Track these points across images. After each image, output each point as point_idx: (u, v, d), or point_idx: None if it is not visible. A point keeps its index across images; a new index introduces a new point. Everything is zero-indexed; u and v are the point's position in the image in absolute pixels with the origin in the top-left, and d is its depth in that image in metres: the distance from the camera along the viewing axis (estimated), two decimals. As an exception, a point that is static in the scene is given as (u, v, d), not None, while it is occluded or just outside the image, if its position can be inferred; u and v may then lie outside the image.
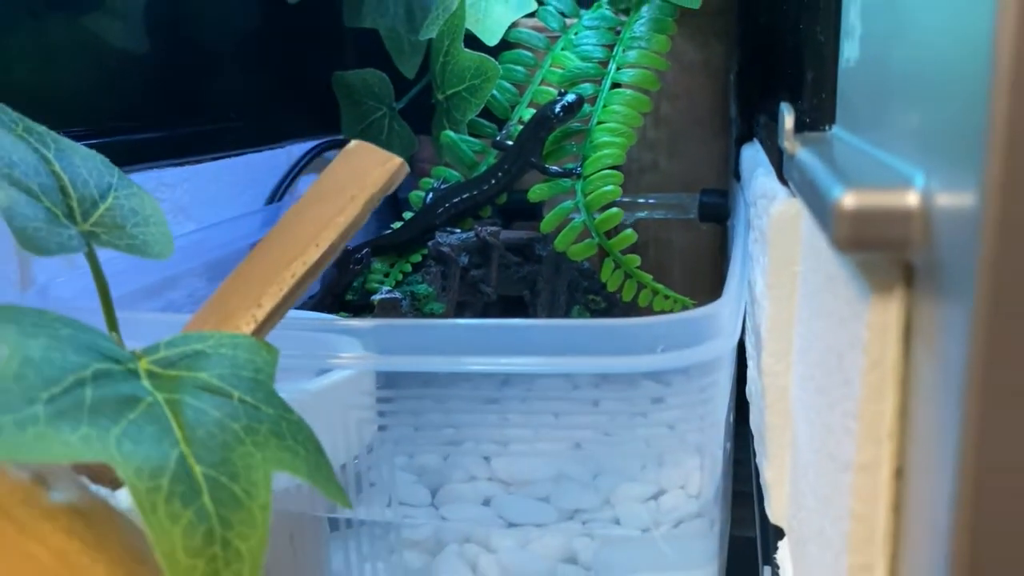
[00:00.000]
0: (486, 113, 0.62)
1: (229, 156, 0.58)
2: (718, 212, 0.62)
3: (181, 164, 0.54)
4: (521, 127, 0.58)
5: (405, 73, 0.69)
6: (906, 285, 0.19)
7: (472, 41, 0.63)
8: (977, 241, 0.16)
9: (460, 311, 0.54)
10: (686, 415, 0.39)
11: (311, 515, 0.41)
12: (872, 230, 0.18)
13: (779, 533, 0.37)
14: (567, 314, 0.58)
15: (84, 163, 0.33)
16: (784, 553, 0.34)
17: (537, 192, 0.55)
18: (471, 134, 0.62)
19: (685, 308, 0.54)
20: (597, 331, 0.36)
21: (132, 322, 0.33)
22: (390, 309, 0.50)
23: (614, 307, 0.59)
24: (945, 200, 0.17)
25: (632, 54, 0.57)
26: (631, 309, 0.59)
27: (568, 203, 0.54)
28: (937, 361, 0.18)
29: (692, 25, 0.62)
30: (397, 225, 0.59)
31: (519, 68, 0.62)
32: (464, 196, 0.57)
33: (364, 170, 0.32)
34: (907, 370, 0.20)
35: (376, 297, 0.50)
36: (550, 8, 0.63)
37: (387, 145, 0.70)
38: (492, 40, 0.62)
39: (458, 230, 0.56)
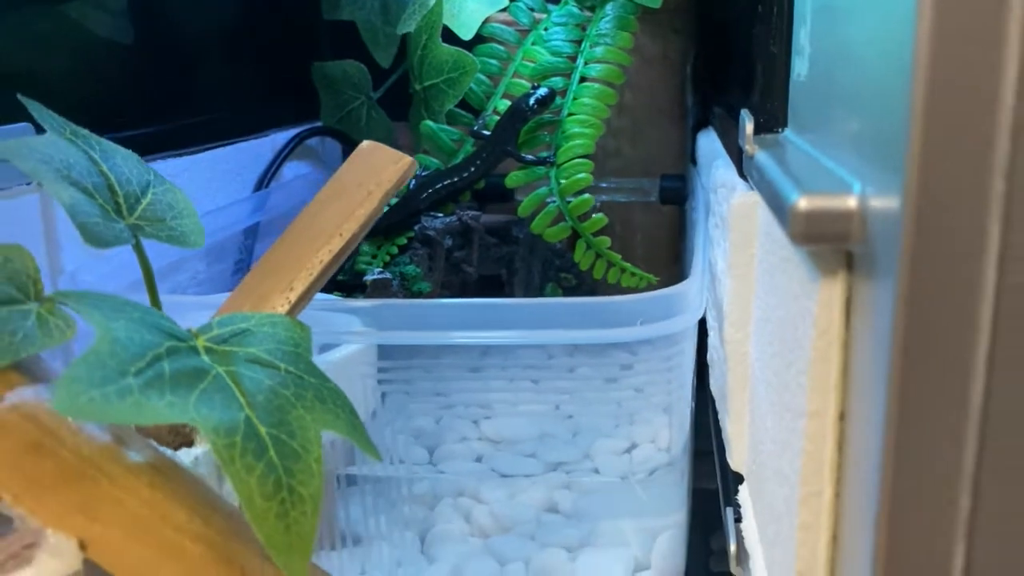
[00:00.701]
0: (462, 103, 0.66)
1: (221, 145, 0.61)
2: (677, 195, 0.67)
3: (179, 155, 0.57)
4: (496, 117, 0.62)
5: (381, 63, 0.73)
6: (847, 270, 0.24)
7: (448, 35, 0.67)
8: (900, 236, 0.20)
9: (444, 289, 0.58)
10: (654, 379, 0.44)
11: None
12: (820, 227, 0.23)
13: (738, 480, 0.42)
14: (541, 290, 0.62)
15: (125, 162, 0.36)
16: (744, 495, 0.39)
17: (514, 179, 0.60)
18: (449, 123, 0.66)
19: (650, 284, 0.59)
20: (580, 307, 0.41)
21: (168, 304, 0.37)
22: (382, 288, 0.54)
23: (584, 284, 0.64)
24: (877, 204, 0.22)
25: (599, 50, 0.61)
26: (599, 285, 0.63)
27: (543, 189, 0.58)
28: (870, 330, 0.23)
29: (652, 21, 0.67)
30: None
31: (493, 61, 0.66)
32: (446, 182, 0.61)
33: (379, 167, 0.36)
34: (848, 336, 0.25)
35: (368, 278, 0.54)
36: (520, 4, 0.67)
37: (365, 132, 0.73)
38: (467, 35, 0.66)
39: (441, 214, 0.60)
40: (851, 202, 0.23)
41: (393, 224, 0.61)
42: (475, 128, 0.63)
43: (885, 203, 0.22)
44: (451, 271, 0.58)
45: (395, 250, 0.60)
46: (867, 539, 0.22)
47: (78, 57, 0.50)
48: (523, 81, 0.64)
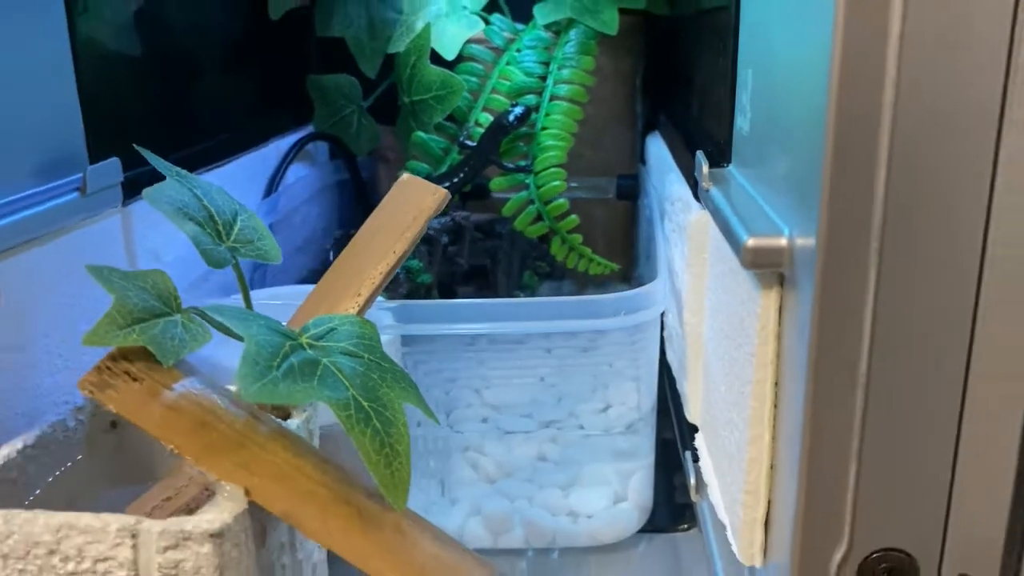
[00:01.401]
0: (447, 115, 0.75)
1: (238, 157, 0.69)
2: (631, 192, 0.78)
3: (209, 170, 0.65)
4: (478, 128, 0.72)
5: (367, 73, 0.81)
6: (780, 285, 0.35)
7: (432, 54, 0.75)
8: (814, 265, 0.31)
9: (441, 279, 0.68)
10: (623, 355, 0.55)
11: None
12: (762, 258, 0.34)
13: (692, 430, 0.53)
14: (520, 277, 0.72)
15: (217, 196, 0.45)
16: (699, 441, 0.51)
17: (497, 184, 0.69)
18: (436, 131, 0.75)
19: (612, 271, 0.70)
20: (573, 303, 0.51)
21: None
22: (391, 280, 0.64)
23: (555, 270, 0.74)
24: (799, 243, 0.33)
25: (566, 72, 0.71)
26: (567, 272, 0.74)
27: (524, 193, 0.68)
28: (795, 325, 0.33)
29: (608, 43, 0.76)
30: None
31: (473, 78, 0.75)
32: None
33: (419, 197, 0.46)
34: (780, 329, 0.35)
35: (381, 272, 0.64)
36: (494, 27, 0.76)
37: (356, 137, 0.82)
38: (450, 55, 0.75)
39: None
40: (783, 241, 0.34)
41: (394, 223, 0.70)
42: (461, 139, 0.72)
43: (805, 243, 0.32)
44: (446, 263, 0.68)
45: (397, 246, 0.70)
46: (794, 465, 0.33)
47: (122, 91, 0.57)
48: (501, 97, 0.73)
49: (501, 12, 0.78)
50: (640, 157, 0.81)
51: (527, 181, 0.69)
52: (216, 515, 0.34)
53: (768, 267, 0.34)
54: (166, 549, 0.33)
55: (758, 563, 0.39)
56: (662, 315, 0.55)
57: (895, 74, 0.28)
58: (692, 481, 0.51)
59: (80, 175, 0.48)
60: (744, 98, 0.43)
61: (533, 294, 0.73)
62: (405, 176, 0.47)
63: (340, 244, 0.71)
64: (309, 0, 0.80)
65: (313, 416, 0.43)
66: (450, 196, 0.46)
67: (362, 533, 0.36)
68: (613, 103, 0.79)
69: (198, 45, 0.67)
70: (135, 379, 0.36)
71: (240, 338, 0.37)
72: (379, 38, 0.80)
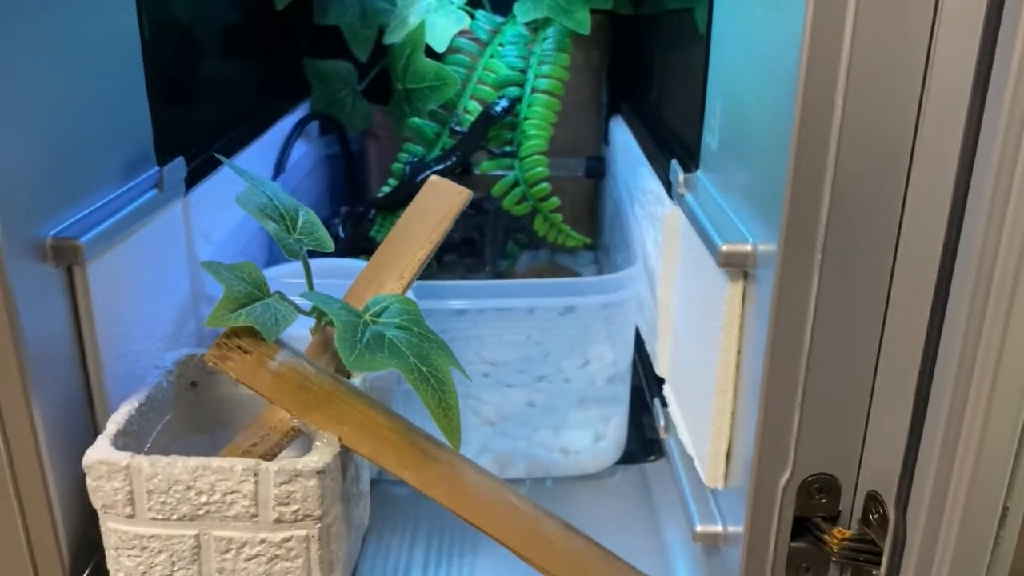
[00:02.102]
0: (436, 101, 0.83)
1: (256, 141, 0.76)
2: (598, 171, 0.88)
3: (237, 156, 0.72)
4: (468, 115, 0.80)
5: (358, 57, 0.88)
6: (744, 279, 0.45)
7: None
8: (772, 266, 0.42)
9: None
10: (600, 321, 0.65)
11: (386, 387, 0.65)
12: (732, 260, 0.44)
13: (660, 382, 0.65)
14: (504, 247, 0.82)
15: (279, 195, 0.53)
16: (667, 391, 0.62)
17: (486, 166, 0.79)
18: (429, 118, 0.83)
19: (585, 244, 0.80)
20: (565, 284, 0.61)
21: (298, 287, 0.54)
22: (399, 253, 0.73)
23: (532, 241, 0.84)
24: (761, 248, 0.43)
25: (545, 67, 0.80)
26: (542, 242, 0.84)
27: (510, 176, 0.77)
28: (756, 309, 0.44)
29: (580, 39, 0.85)
30: (386, 189, 0.81)
31: (460, 69, 0.83)
32: (435, 168, 0.79)
33: (448, 197, 0.55)
34: (744, 311, 0.46)
35: (389, 246, 0.73)
36: (478, 23, 0.84)
37: (351, 117, 0.90)
38: (440, 47, 0.82)
39: (431, 193, 0.78)
40: (748, 247, 0.44)
41: (395, 200, 0.79)
42: (452, 125, 0.81)
43: (766, 248, 0.43)
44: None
45: (397, 219, 0.78)
46: (751, 413, 0.44)
47: (174, 93, 0.64)
48: (487, 87, 0.81)
49: (483, 5, 0.86)
50: (604, 139, 0.91)
51: (512, 165, 0.78)
52: (319, 456, 0.43)
53: (736, 266, 0.45)
54: (281, 483, 0.43)
55: (720, 486, 0.51)
56: (635, 287, 0.65)
57: (838, 136, 0.38)
58: (662, 423, 0.63)
59: (153, 173, 0.55)
60: (713, 122, 0.53)
61: (514, 262, 0.83)
62: (434, 178, 0.56)
63: (346, 220, 0.80)
64: (307, -9, 0.87)
65: (365, 377, 0.52)
66: (471, 195, 0.55)
67: (425, 467, 0.46)
68: (582, 91, 0.88)
69: (221, 40, 0.73)
70: (246, 352, 0.45)
71: (305, 315, 0.46)
72: (370, 25, 0.87)
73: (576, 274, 0.84)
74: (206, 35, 0.70)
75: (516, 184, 0.78)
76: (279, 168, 0.81)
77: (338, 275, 0.57)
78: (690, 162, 0.57)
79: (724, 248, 0.44)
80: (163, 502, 0.43)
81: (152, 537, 0.44)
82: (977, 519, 0.40)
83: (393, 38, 0.82)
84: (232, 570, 0.44)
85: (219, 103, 0.71)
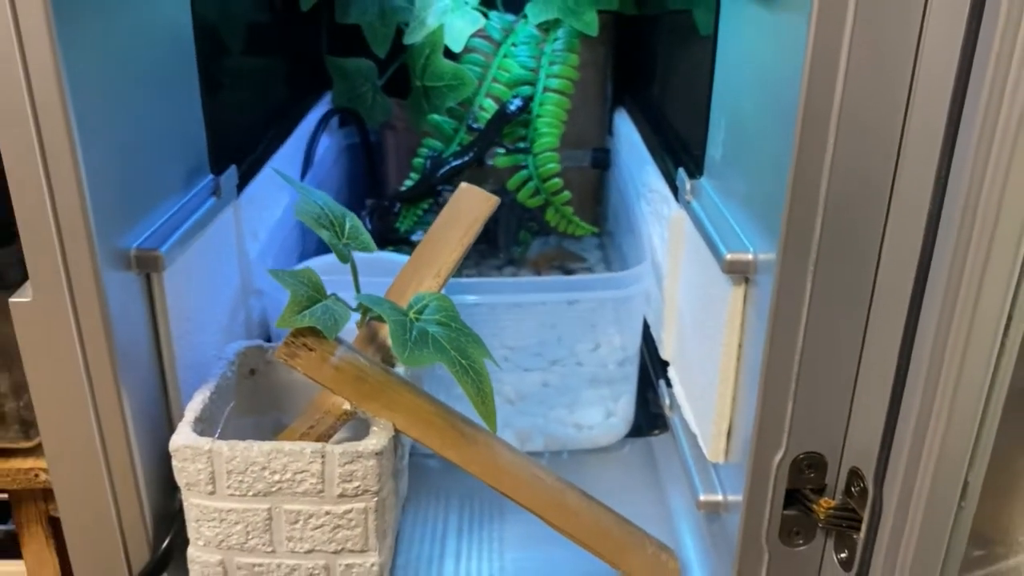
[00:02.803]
0: (454, 98, 0.88)
1: (289, 138, 0.81)
2: (603, 162, 0.93)
3: (275, 155, 0.77)
4: (483, 112, 0.85)
5: (378, 53, 0.92)
6: (746, 284, 0.51)
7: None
8: (771, 273, 0.48)
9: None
10: (606, 309, 0.71)
11: (419, 372, 0.71)
12: (736, 267, 0.50)
13: (664, 364, 0.71)
14: (516, 235, 0.88)
15: (328, 203, 0.58)
16: (672, 373, 0.68)
17: (501, 161, 0.84)
18: (447, 115, 0.88)
19: (592, 233, 0.86)
20: (583, 280, 0.67)
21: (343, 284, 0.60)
22: (423, 244, 0.78)
23: (542, 229, 0.90)
24: (761, 258, 0.49)
25: (556, 67, 0.85)
26: (552, 230, 0.90)
27: (524, 172, 0.83)
28: (755, 310, 0.50)
29: (587, 38, 0.90)
30: (409, 183, 0.86)
31: (476, 68, 0.88)
32: (453, 164, 0.84)
33: (478, 203, 0.60)
34: (745, 311, 0.52)
35: (415, 238, 0.78)
36: (492, 23, 0.89)
37: (371, 111, 0.94)
38: (457, 47, 0.87)
39: (450, 187, 0.84)
40: (750, 256, 0.50)
41: (418, 193, 0.84)
42: (468, 122, 0.86)
43: (764, 258, 0.49)
44: (460, 227, 0.82)
45: (420, 212, 0.84)
46: (751, 398, 0.51)
47: (222, 105, 0.68)
48: (501, 86, 0.86)
49: (496, 5, 0.91)
50: (609, 130, 0.96)
51: (526, 161, 0.83)
52: (377, 440, 0.50)
53: (739, 272, 0.51)
54: (344, 463, 0.49)
55: (721, 460, 0.57)
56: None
57: (830, 165, 0.44)
58: (666, 401, 0.69)
59: (209, 181, 0.61)
60: (718, 136, 0.59)
61: (526, 248, 0.89)
62: (464, 185, 0.61)
63: (372, 212, 0.85)
64: (330, -9, 0.91)
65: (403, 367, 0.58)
66: (499, 201, 0.61)
67: (465, 447, 0.52)
68: (588, 86, 0.93)
69: (257, 46, 0.78)
70: (311, 349, 0.50)
71: (363, 314, 0.52)
72: (389, 23, 0.91)
73: (583, 259, 0.89)
74: (246, 43, 0.75)
75: (530, 178, 0.84)
76: (307, 162, 0.86)
77: (372, 268, 0.62)
78: (695, 169, 0.63)
79: (728, 257, 0.50)
80: (240, 480, 0.49)
81: (230, 511, 0.50)
82: (942, 492, 0.46)
83: (412, 38, 0.86)
84: (300, 538, 0.50)
85: (258, 106, 0.76)
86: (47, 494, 0.59)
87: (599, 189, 0.97)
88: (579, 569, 0.56)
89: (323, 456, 0.49)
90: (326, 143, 0.92)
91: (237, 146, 0.67)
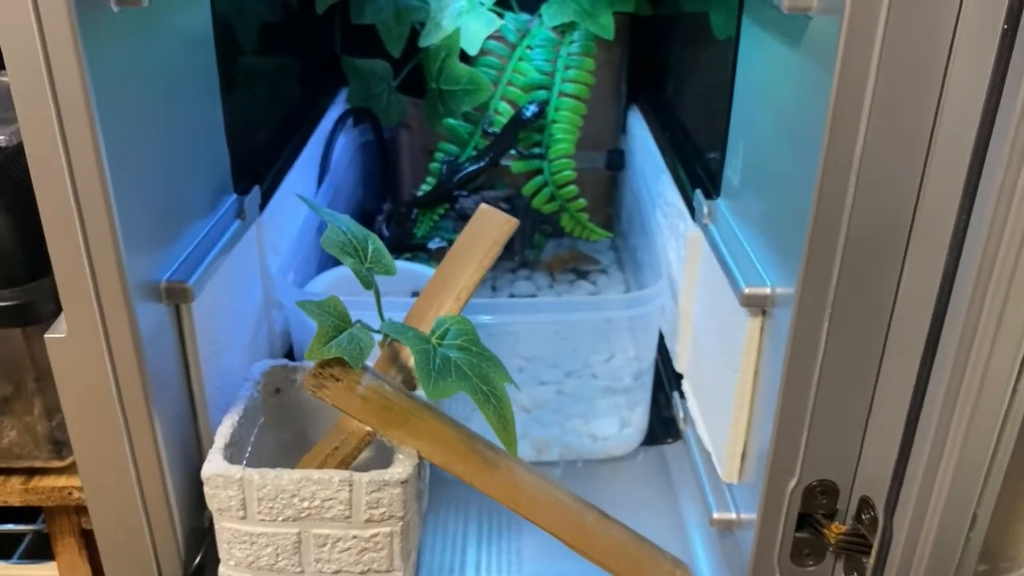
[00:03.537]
0: (469, 102, 0.88)
1: (308, 143, 0.82)
2: (618, 163, 0.93)
3: (294, 162, 0.77)
4: (499, 116, 0.85)
5: (392, 53, 0.92)
6: (763, 316, 0.52)
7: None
8: (789, 307, 0.48)
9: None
10: (619, 320, 0.72)
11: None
12: (754, 301, 0.51)
13: (678, 376, 0.72)
14: (532, 238, 0.88)
15: (351, 227, 0.59)
16: (686, 386, 0.69)
17: (517, 167, 0.84)
18: (462, 119, 0.88)
19: (604, 237, 0.86)
20: (602, 301, 0.68)
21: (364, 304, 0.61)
22: (440, 253, 0.79)
23: (555, 231, 0.90)
24: (779, 291, 0.50)
25: (571, 72, 0.85)
26: (564, 234, 0.90)
27: (539, 178, 0.83)
28: (771, 341, 0.51)
29: (603, 40, 0.90)
30: (425, 188, 0.86)
31: (491, 71, 0.87)
32: (469, 169, 0.84)
33: (497, 226, 0.61)
34: (761, 341, 0.53)
35: (432, 246, 0.79)
36: (508, 26, 0.89)
37: (386, 111, 0.95)
38: (473, 50, 0.87)
39: (465, 192, 0.84)
40: (767, 291, 0.51)
41: (434, 199, 0.84)
42: (484, 126, 0.86)
43: (782, 292, 0.50)
44: (476, 232, 0.83)
45: (436, 218, 0.85)
46: (767, 426, 0.52)
47: (244, 129, 0.68)
48: (516, 89, 0.86)
49: (510, 5, 0.90)
50: (623, 129, 0.96)
51: (541, 166, 0.84)
52: (402, 468, 0.51)
53: (757, 306, 0.52)
54: (371, 492, 0.51)
55: (735, 481, 0.59)
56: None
57: (850, 210, 0.45)
58: (680, 414, 0.71)
59: (233, 201, 0.61)
60: (735, 162, 0.59)
61: (540, 251, 0.89)
62: (484, 207, 0.62)
63: (389, 219, 0.86)
64: (345, -6, 0.91)
65: (427, 386, 0.59)
66: (517, 224, 0.61)
67: (487, 472, 0.54)
68: (603, 87, 0.92)
69: (275, 56, 0.78)
70: (337, 379, 0.52)
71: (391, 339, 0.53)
72: (404, 23, 0.91)
73: (597, 262, 0.90)
74: (264, 54, 0.75)
75: (545, 184, 0.84)
76: (324, 166, 0.86)
77: (390, 278, 0.62)
78: (712, 189, 0.63)
79: (747, 291, 0.51)
80: (271, 507, 0.51)
81: (260, 534, 0.52)
82: (951, 524, 0.48)
83: (428, 41, 0.86)
84: (328, 560, 0.52)
85: (277, 118, 0.77)
86: (79, 509, 0.60)
87: (613, 190, 0.98)
88: (596, 582, 0.58)
89: (351, 485, 0.50)
90: (342, 142, 0.93)
91: (258, 163, 0.68)
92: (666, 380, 0.77)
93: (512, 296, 0.86)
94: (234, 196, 0.62)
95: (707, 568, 0.61)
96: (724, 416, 0.58)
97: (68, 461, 0.58)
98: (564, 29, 0.87)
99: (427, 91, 0.90)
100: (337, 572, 0.53)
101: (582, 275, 0.88)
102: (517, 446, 0.53)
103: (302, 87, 0.86)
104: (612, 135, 0.96)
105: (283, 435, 0.62)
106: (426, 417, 0.54)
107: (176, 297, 0.52)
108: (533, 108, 0.83)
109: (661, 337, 0.74)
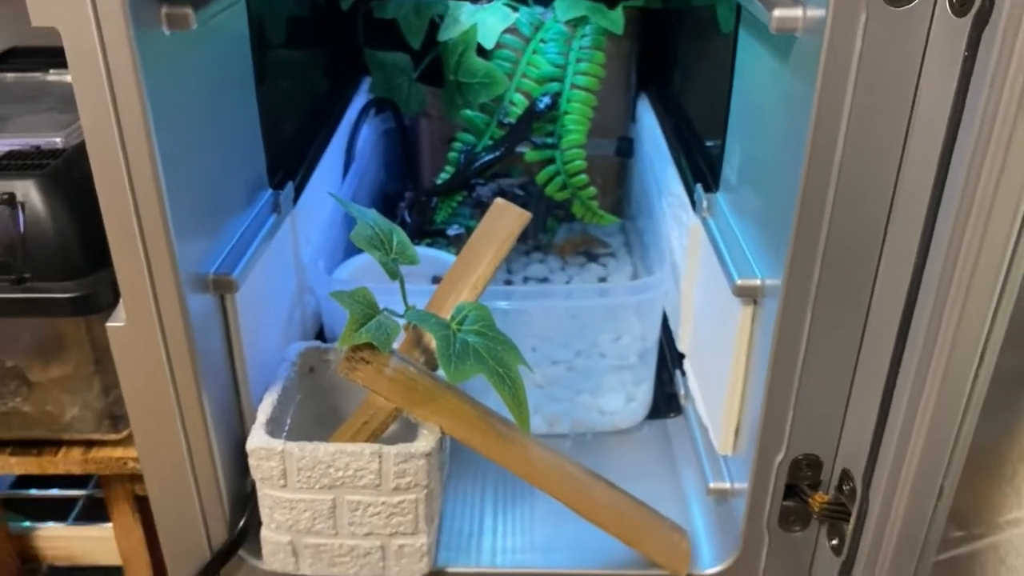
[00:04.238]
0: (486, 93, 0.92)
1: (335, 133, 0.86)
2: (628, 150, 0.98)
3: (323, 154, 0.82)
4: (514, 107, 0.90)
5: (412, 46, 0.96)
6: (755, 304, 0.57)
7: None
8: (776, 298, 0.53)
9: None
10: (626, 304, 0.77)
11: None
12: (745, 291, 0.56)
13: (680, 356, 0.77)
14: (544, 223, 0.93)
15: (376, 219, 0.64)
16: (687, 365, 0.74)
17: (531, 156, 0.89)
18: (479, 110, 0.93)
19: (613, 222, 0.91)
20: (609, 287, 0.72)
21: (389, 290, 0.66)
22: (458, 240, 0.84)
23: (567, 216, 0.95)
24: (768, 283, 0.55)
25: (583, 65, 0.89)
26: (575, 219, 0.95)
27: (552, 167, 0.88)
28: (761, 327, 0.56)
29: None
30: (444, 176, 0.91)
31: (506, 63, 0.91)
32: (486, 158, 0.89)
33: (511, 219, 0.65)
34: (752, 328, 0.58)
35: (450, 232, 0.84)
36: (522, 19, 0.92)
37: (407, 101, 0.99)
38: (489, 44, 0.91)
39: (483, 181, 0.89)
40: (758, 282, 0.56)
41: (453, 187, 0.89)
42: (500, 118, 0.91)
43: (771, 283, 0.54)
44: (493, 218, 0.88)
45: (455, 204, 0.90)
46: (757, 404, 0.57)
47: (276, 128, 0.73)
48: (530, 81, 0.90)
49: (525, 0, 0.94)
50: (632, 117, 1.00)
51: (554, 155, 0.88)
52: (426, 442, 0.56)
53: (748, 296, 0.56)
54: (399, 463, 0.56)
55: (730, 453, 0.64)
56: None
57: (831, 207, 0.49)
58: (682, 391, 0.76)
59: (269, 196, 0.66)
60: (733, 161, 0.63)
61: (553, 235, 0.94)
62: (499, 201, 0.67)
63: (411, 206, 0.91)
64: (368, -10, 0.95)
65: (447, 367, 0.64)
66: (530, 217, 0.66)
67: (503, 447, 0.59)
68: (613, 77, 0.96)
69: (303, 51, 0.83)
70: (368, 362, 0.57)
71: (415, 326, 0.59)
72: (423, 17, 0.95)
73: (607, 245, 0.95)
74: (294, 53, 0.79)
75: (557, 173, 0.89)
76: (349, 156, 0.91)
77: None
78: (711, 182, 0.68)
79: (739, 282, 0.56)
80: (308, 476, 0.56)
81: (299, 501, 0.57)
82: (920, 494, 0.53)
83: (447, 35, 0.90)
84: (360, 523, 0.58)
85: (306, 113, 0.81)
86: (133, 477, 0.67)
87: (623, 175, 1.02)
88: (601, 544, 0.63)
89: (380, 457, 0.56)
90: (365, 131, 0.97)
91: (290, 157, 0.73)
92: (669, 358, 0.82)
93: (526, 278, 0.91)
94: (269, 192, 0.67)
95: (704, 533, 0.66)
96: (720, 394, 0.63)
97: (124, 434, 0.64)
98: (576, 23, 0.90)
99: (445, 83, 0.94)
100: (368, 534, 0.58)
101: (592, 258, 0.93)
102: (530, 423, 0.59)
103: (329, 81, 0.91)
104: (622, 123, 1.00)
105: (318, 410, 0.67)
106: (447, 396, 0.59)
107: (222, 288, 0.57)
108: (546, 100, 0.87)
109: (665, 319, 0.79)
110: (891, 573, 0.55)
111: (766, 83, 0.56)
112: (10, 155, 0.59)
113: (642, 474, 0.72)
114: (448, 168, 0.92)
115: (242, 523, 0.61)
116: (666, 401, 0.81)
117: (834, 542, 0.59)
